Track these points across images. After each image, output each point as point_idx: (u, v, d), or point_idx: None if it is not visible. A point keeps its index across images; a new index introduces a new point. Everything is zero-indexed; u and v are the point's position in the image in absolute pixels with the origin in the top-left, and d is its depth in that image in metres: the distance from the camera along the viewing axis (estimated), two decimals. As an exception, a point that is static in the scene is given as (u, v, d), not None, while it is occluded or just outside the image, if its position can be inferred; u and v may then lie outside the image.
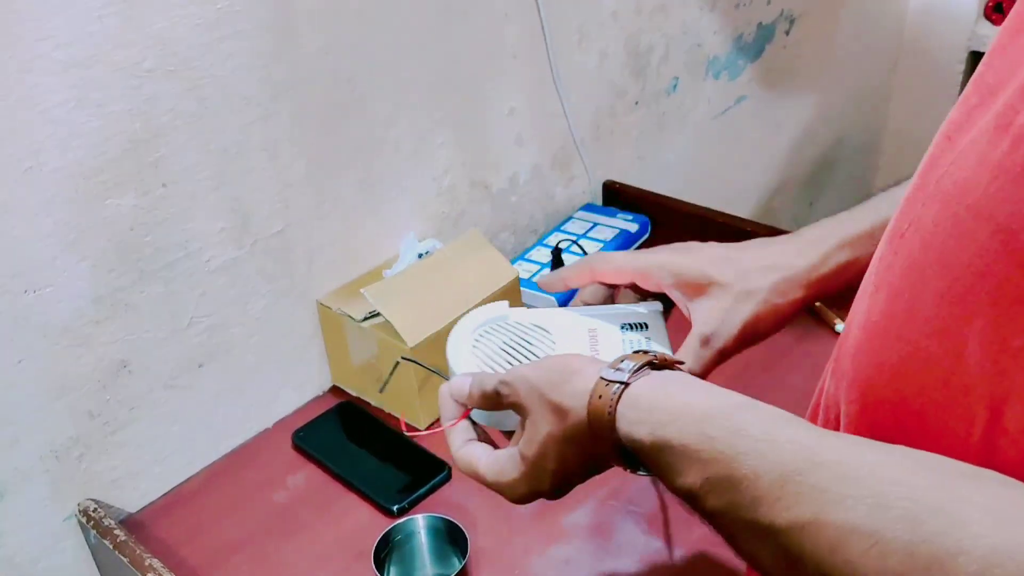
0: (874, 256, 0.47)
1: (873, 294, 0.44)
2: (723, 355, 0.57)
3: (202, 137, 0.76)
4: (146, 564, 0.73)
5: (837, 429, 0.48)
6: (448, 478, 0.83)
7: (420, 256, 0.93)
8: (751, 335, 0.57)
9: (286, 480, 0.85)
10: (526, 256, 1.09)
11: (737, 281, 0.56)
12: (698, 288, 0.57)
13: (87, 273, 0.73)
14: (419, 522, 0.69)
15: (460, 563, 0.66)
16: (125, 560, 0.74)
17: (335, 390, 0.96)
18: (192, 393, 0.84)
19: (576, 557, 0.75)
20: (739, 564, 0.47)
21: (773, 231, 1.06)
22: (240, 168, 0.80)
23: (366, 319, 0.87)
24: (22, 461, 0.74)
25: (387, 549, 0.68)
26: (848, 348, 0.46)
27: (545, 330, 0.60)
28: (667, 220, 1.13)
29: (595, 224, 1.12)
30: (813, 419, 0.55)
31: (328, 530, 0.80)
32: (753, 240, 0.59)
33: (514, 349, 0.58)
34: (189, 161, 0.76)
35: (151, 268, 0.77)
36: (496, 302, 0.62)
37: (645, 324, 0.61)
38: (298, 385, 0.93)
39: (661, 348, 0.59)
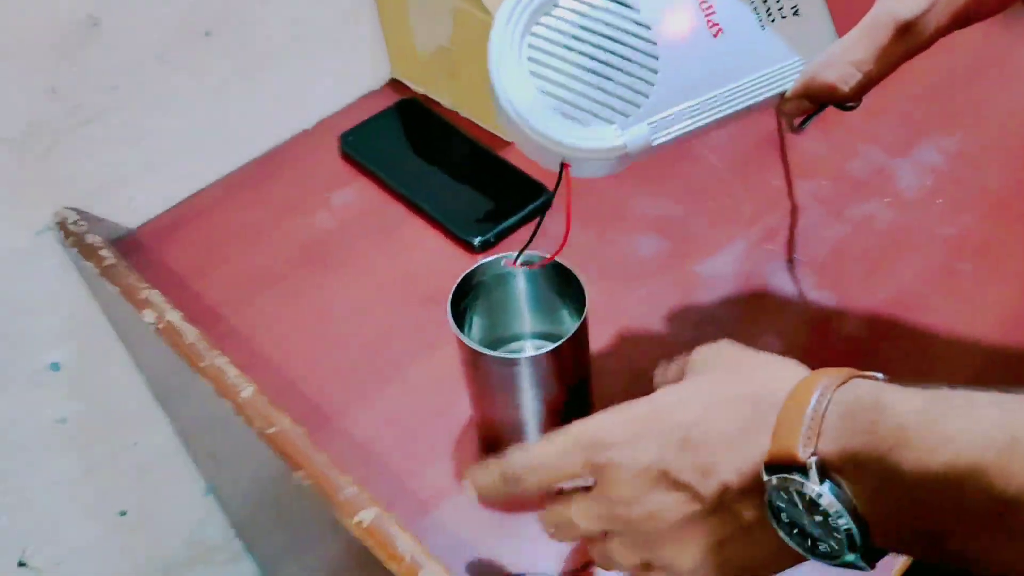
0: None
1: None
2: (914, 53, 0.39)
3: None
4: (142, 297, 0.56)
5: None
6: (548, 205, 0.62)
7: None
8: (963, 18, 0.39)
9: (330, 198, 0.68)
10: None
11: None
12: None
13: None
14: (514, 261, 0.47)
15: (575, 320, 0.45)
16: (115, 290, 0.56)
17: (395, 85, 0.75)
18: (195, 73, 0.64)
19: (718, 314, 0.58)
20: None
21: None
22: None
23: (437, -22, 0.63)
24: (-39, 149, 0.54)
25: (468, 295, 0.48)
26: None
27: (627, 4, 0.41)
28: None
29: None
30: None
31: (387, 266, 0.63)
32: None
33: (599, 65, 0.40)
34: None
35: None
36: None
37: None
38: (345, 75, 0.73)
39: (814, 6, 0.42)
